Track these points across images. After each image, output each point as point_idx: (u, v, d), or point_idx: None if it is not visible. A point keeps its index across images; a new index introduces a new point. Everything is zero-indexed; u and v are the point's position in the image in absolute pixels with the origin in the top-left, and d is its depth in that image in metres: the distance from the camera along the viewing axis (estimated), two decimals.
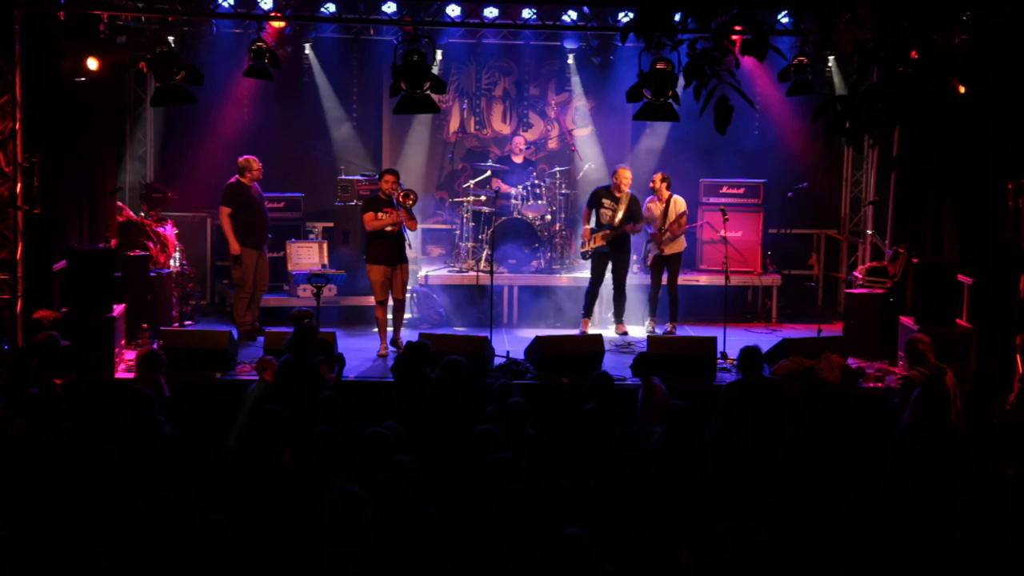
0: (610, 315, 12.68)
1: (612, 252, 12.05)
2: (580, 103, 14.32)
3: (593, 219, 12.19)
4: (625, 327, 12.16)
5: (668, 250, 12.18)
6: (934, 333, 9.75)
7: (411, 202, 11.11)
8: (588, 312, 12.17)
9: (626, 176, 12.06)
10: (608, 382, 8.32)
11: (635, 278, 12.72)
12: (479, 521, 5.88)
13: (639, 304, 12.63)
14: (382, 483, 5.91)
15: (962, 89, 4.38)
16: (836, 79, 13.31)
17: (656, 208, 12.23)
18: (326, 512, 5.61)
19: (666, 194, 12.20)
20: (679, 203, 12.20)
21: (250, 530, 5.70)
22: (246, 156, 11.82)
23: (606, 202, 12.07)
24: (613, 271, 12.14)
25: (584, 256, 12.30)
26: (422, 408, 8.26)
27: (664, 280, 12.28)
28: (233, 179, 11.75)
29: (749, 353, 8.74)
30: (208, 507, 5.76)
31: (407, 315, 11.96)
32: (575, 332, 11.93)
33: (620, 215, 12.00)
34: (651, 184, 12.32)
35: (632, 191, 12.16)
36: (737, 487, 6.50)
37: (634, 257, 13.13)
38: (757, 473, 6.75)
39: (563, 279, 12.95)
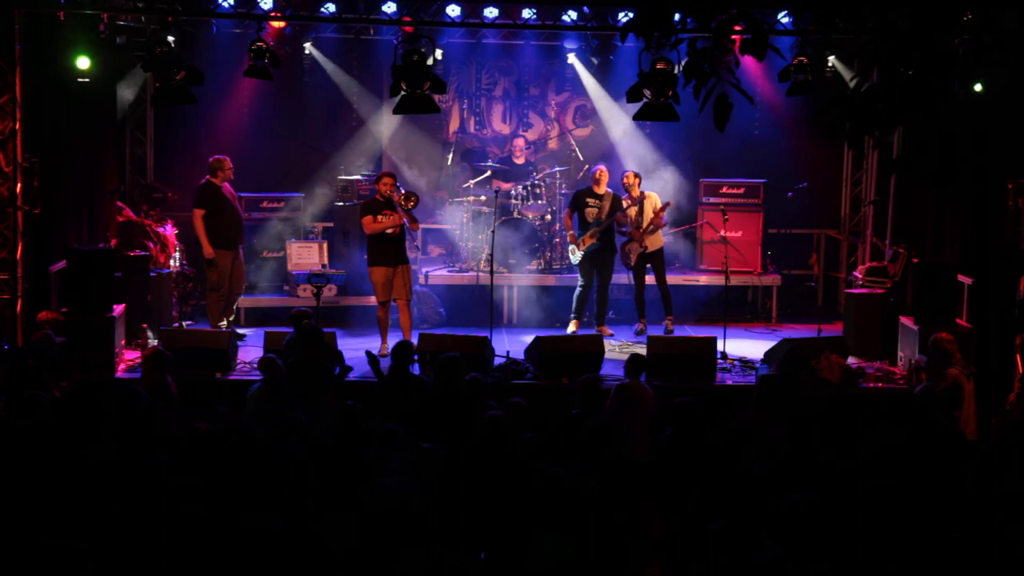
0: (611, 315, 12.69)
1: (600, 253, 12.00)
2: (580, 103, 14.31)
3: (576, 222, 12.14)
4: (608, 329, 12.10)
5: (651, 246, 12.14)
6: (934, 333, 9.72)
7: (412, 204, 11.09)
8: (578, 315, 12.13)
9: (605, 174, 12.06)
10: (596, 387, 8.21)
11: (620, 278, 12.68)
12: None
13: (627, 305, 12.64)
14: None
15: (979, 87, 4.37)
16: (836, 79, 13.32)
17: (631, 210, 12.15)
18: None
19: (638, 192, 12.18)
20: (654, 198, 12.16)
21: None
22: (217, 156, 11.64)
23: (590, 201, 12.05)
24: (599, 272, 12.07)
25: (576, 264, 12.23)
26: (412, 408, 8.26)
27: (651, 280, 12.25)
28: (204, 180, 11.58)
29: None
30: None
31: None
32: (568, 332, 11.92)
33: (606, 211, 11.98)
34: (624, 182, 12.24)
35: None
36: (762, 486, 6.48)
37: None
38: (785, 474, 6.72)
39: (563, 279, 12.93)
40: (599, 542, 5.30)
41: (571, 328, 12.06)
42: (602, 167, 12.23)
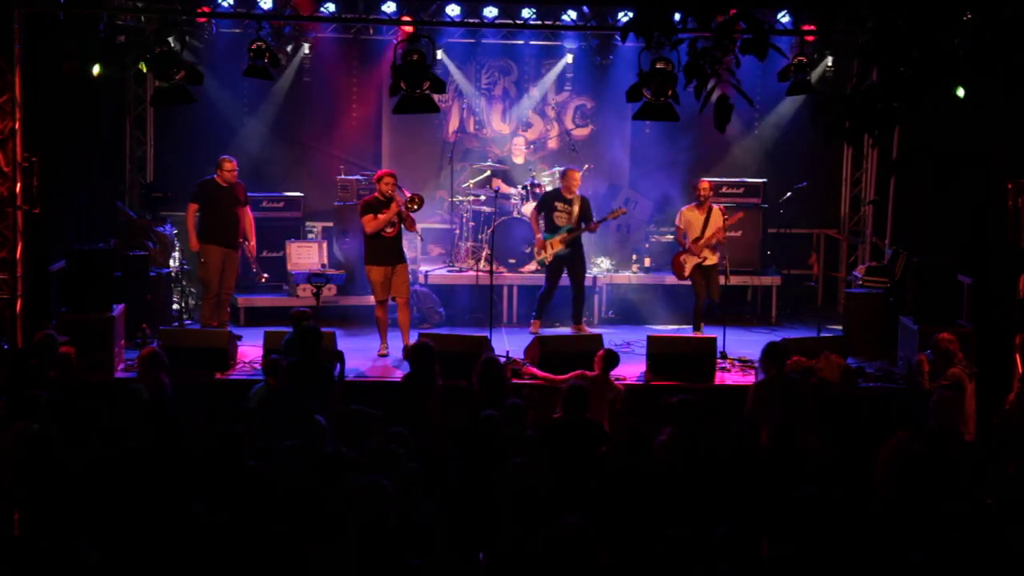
0: (611, 315, 12.68)
1: (569, 255, 11.86)
2: (580, 103, 14.31)
3: (542, 224, 11.99)
4: (585, 328, 12.03)
5: (709, 259, 11.77)
6: (935, 333, 9.73)
7: (416, 207, 11.09)
8: (540, 315, 12.02)
9: (576, 178, 11.87)
10: (582, 395, 8.12)
11: (646, 278, 12.76)
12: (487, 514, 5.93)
13: (628, 305, 12.61)
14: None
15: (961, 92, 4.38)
16: (834, 79, 13.34)
17: (695, 218, 11.78)
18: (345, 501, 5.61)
19: (709, 204, 11.89)
20: (720, 215, 11.77)
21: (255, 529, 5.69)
22: (224, 156, 11.64)
23: (559, 205, 11.87)
24: (571, 273, 11.91)
25: (543, 265, 12.09)
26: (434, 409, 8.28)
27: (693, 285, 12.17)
28: (208, 176, 11.61)
29: (776, 350, 8.70)
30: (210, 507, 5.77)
31: None
32: (569, 332, 11.88)
33: (575, 216, 11.83)
34: (700, 193, 11.77)
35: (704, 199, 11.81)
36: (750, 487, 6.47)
37: (633, 257, 13.14)
38: (774, 474, 6.71)
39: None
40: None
41: (533, 329, 11.96)
42: (574, 169, 11.99)
